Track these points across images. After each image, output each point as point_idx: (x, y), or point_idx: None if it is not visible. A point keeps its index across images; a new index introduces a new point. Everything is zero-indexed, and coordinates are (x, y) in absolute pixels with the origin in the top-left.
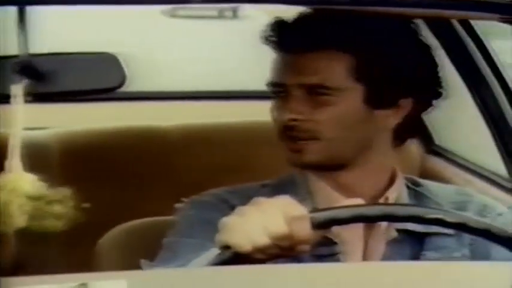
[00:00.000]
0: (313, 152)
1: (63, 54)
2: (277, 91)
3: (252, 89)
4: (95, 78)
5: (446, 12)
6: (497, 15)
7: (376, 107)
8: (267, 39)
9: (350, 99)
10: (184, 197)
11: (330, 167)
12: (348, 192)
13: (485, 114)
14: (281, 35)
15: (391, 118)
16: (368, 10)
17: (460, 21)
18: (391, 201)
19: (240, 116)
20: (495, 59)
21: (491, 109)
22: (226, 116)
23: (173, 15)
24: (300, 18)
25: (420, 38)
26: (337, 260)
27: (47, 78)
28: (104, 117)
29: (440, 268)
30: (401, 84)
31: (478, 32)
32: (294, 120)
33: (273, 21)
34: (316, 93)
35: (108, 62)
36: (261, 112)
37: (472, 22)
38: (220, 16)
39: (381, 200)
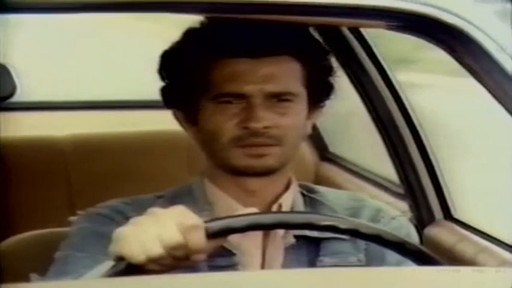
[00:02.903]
0: (274, 157)
1: None
2: (231, 100)
3: (147, 98)
4: None
5: (336, 20)
6: (384, 23)
7: (309, 113)
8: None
9: (302, 104)
10: (78, 207)
11: (268, 172)
12: (250, 197)
13: (377, 121)
14: (233, 39)
15: (309, 125)
16: (262, 18)
17: (350, 29)
18: (284, 208)
19: (134, 125)
20: (385, 66)
21: (383, 116)
22: (119, 126)
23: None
24: (243, 24)
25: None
26: (236, 271)
27: None
28: None
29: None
30: (326, 90)
31: (367, 39)
32: (266, 127)
33: (216, 26)
34: (280, 99)
35: None
36: (157, 121)
37: (362, 30)
38: None
39: (274, 207)
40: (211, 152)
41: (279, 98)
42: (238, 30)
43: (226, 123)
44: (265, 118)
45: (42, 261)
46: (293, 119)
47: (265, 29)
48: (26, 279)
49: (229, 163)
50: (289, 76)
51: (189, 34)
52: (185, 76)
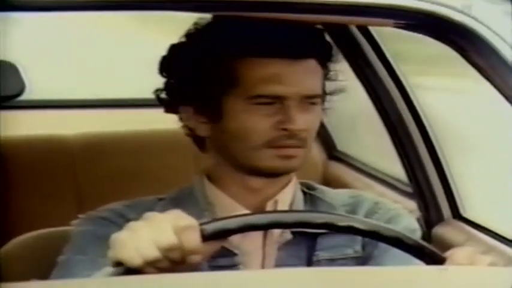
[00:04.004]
0: (300, 159)
1: None
2: (267, 101)
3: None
4: None
5: (344, 19)
6: (392, 21)
7: None
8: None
9: (321, 107)
10: (87, 207)
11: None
12: (251, 195)
13: (385, 119)
14: (262, 39)
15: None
16: (269, 16)
17: (359, 27)
18: (280, 204)
19: (143, 124)
20: (393, 64)
21: (391, 115)
22: (129, 125)
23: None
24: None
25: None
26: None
27: None
28: (2, 126)
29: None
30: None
31: (376, 37)
32: (301, 130)
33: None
34: (309, 102)
35: (6, 70)
36: (163, 120)
37: (370, 28)
38: None
39: (270, 203)
40: (231, 150)
41: (309, 100)
42: (257, 29)
43: (260, 123)
44: (302, 120)
45: (44, 260)
46: (316, 122)
47: (291, 31)
48: (27, 279)
49: (253, 163)
50: (317, 79)
51: (207, 30)
52: (203, 71)
